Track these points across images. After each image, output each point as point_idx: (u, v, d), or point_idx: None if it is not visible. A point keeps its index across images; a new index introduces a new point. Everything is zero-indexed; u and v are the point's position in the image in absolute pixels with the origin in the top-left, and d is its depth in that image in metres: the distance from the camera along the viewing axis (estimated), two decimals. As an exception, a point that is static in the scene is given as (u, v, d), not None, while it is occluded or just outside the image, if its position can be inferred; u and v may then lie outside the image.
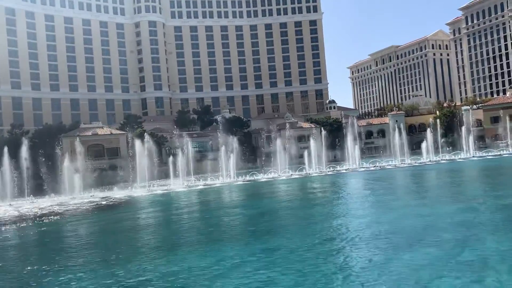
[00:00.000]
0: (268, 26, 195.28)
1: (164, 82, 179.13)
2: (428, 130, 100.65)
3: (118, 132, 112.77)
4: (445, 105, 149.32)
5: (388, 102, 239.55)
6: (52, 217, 41.17)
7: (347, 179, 63.38)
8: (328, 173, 75.32)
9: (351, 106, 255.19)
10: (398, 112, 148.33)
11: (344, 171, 77.31)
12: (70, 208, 48.38)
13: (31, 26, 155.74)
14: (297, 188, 56.03)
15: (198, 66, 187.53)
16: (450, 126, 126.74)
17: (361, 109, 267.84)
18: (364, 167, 78.92)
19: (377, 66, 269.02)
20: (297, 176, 73.08)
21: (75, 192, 64.99)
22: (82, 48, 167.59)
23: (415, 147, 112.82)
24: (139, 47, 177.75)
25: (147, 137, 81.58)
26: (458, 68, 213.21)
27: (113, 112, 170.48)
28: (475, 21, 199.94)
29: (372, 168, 77.05)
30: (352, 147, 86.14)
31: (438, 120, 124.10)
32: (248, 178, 73.05)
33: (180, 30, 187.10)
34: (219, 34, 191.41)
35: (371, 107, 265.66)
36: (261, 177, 74.36)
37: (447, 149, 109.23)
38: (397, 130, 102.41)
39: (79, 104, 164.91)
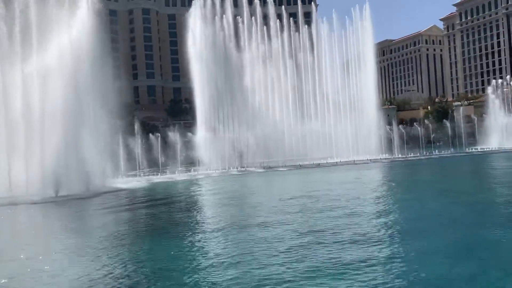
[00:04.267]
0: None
1: (157, 70, 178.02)
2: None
3: (112, 119, 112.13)
4: (436, 100, 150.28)
5: (381, 96, 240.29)
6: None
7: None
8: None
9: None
10: (389, 107, 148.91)
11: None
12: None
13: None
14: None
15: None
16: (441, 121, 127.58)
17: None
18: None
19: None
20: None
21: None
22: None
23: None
24: (132, 34, 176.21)
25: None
26: (450, 64, 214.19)
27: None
28: (468, 17, 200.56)
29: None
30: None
31: (429, 115, 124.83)
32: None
33: (174, 18, 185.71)
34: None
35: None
36: None
37: (438, 144, 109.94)
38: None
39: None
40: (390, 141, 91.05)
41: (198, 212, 29.80)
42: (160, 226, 24.34)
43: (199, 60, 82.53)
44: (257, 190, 43.40)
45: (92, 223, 27.17)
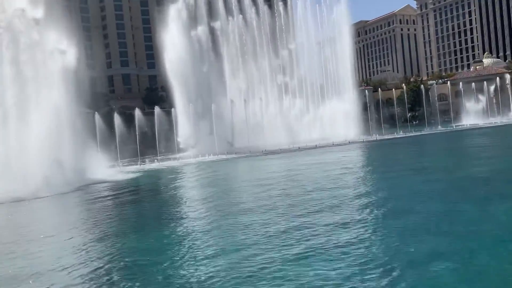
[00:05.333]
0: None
1: (131, 58, 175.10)
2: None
3: (87, 110, 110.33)
4: (411, 79, 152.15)
5: (357, 77, 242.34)
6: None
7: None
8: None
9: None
10: (366, 87, 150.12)
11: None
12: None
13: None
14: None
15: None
16: (416, 100, 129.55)
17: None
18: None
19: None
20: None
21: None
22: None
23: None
24: (104, 22, 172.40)
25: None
26: (424, 43, 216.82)
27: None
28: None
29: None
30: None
31: (405, 95, 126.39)
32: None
33: (147, 4, 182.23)
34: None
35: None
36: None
37: (414, 123, 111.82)
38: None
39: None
40: (367, 122, 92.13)
41: (182, 205, 29.70)
42: (142, 220, 24.23)
43: (175, 49, 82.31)
44: (230, 175, 44.40)
45: (67, 219, 26.62)
